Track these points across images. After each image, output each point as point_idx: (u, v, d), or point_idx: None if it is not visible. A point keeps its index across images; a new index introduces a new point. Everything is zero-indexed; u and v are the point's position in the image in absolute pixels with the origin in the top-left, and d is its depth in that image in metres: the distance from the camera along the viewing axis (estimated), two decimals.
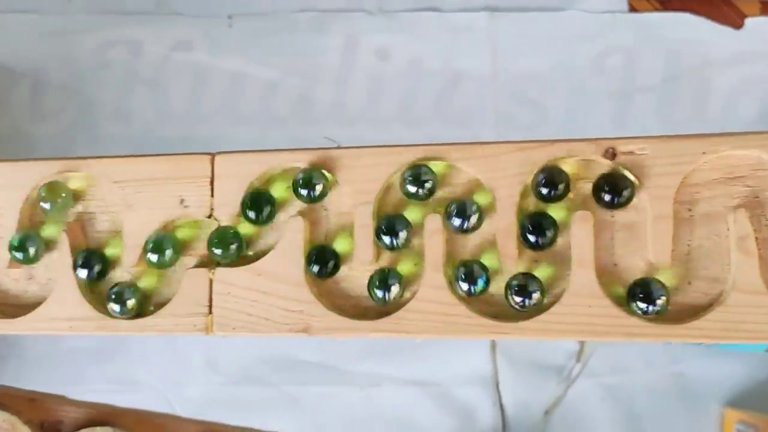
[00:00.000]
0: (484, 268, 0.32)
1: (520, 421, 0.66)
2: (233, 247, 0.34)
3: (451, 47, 0.70)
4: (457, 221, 0.32)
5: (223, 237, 0.34)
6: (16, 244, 0.36)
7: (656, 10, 0.71)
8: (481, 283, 0.31)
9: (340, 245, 0.34)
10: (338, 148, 0.34)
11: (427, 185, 0.32)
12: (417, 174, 0.32)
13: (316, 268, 0.33)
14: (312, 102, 0.69)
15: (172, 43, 0.69)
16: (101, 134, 0.67)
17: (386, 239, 0.32)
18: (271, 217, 0.34)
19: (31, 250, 0.36)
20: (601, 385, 0.66)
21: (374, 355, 0.67)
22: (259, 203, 0.34)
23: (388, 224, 0.33)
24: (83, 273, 0.35)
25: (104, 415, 0.44)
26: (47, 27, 0.69)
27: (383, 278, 0.32)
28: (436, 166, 0.33)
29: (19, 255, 0.36)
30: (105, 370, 0.66)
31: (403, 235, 0.32)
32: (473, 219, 0.32)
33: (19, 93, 0.69)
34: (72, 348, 0.66)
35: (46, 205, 0.36)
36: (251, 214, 0.34)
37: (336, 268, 0.34)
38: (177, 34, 0.69)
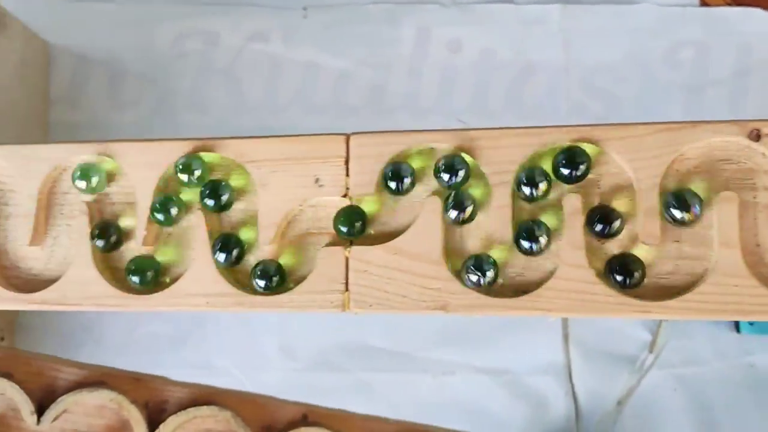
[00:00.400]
0: (633, 258, 0.32)
1: (592, 410, 0.66)
2: (358, 225, 0.35)
3: (524, 39, 0.71)
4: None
5: (348, 215, 0.35)
6: (158, 205, 0.36)
7: (727, 5, 0.72)
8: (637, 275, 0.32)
9: None
10: (473, 129, 0.35)
11: (582, 168, 0.33)
12: (572, 155, 0.33)
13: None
14: (384, 93, 0.70)
15: (248, 34, 0.70)
16: (178, 123, 0.68)
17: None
18: (410, 188, 0.35)
19: (173, 211, 0.37)
20: (674, 376, 0.66)
21: (447, 343, 0.68)
22: (400, 173, 0.34)
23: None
24: (221, 256, 0.36)
25: (207, 394, 0.45)
26: (124, 16, 0.70)
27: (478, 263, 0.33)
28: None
29: (160, 216, 0.37)
30: (181, 356, 0.67)
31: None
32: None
33: (97, 82, 0.70)
34: (148, 334, 0.68)
35: (184, 177, 0.37)
36: (392, 185, 0.34)
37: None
38: (253, 25, 0.70)
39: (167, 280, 0.37)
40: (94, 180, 0.38)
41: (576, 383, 0.67)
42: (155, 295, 0.37)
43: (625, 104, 0.69)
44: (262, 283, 0.35)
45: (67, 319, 0.68)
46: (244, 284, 0.37)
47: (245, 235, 0.37)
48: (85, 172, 0.38)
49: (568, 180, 0.33)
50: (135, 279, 0.37)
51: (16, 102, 0.61)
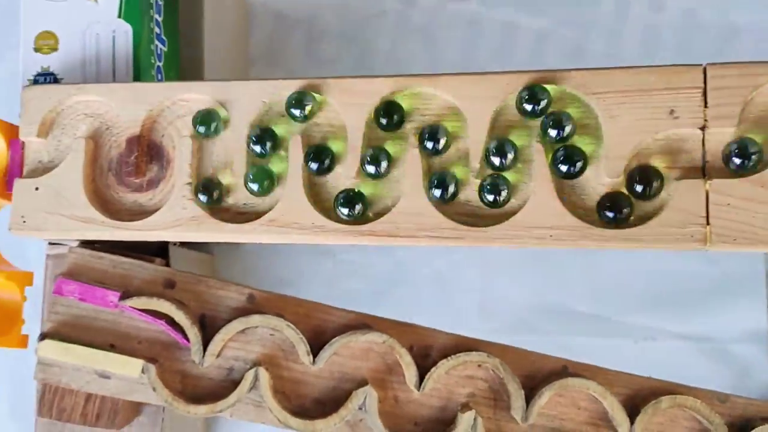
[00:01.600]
0: None
1: None
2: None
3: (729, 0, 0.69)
4: None
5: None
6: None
7: None
8: None
9: None
10: None
11: None
12: None
13: None
14: (584, 53, 0.69)
15: None
16: None
17: None
18: None
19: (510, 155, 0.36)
20: None
21: (649, 308, 0.67)
22: None
23: None
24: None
25: (472, 343, 0.45)
26: None
27: None
28: None
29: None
30: (379, 313, 0.67)
31: None
32: None
33: (296, 40, 0.70)
34: (346, 290, 0.68)
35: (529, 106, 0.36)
36: None
37: None
38: None
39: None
40: None
41: None
42: (493, 227, 0.36)
43: None
44: (611, 214, 0.35)
45: (267, 275, 0.69)
46: (583, 217, 0.36)
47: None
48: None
49: None
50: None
51: (223, 62, 0.61)
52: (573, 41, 0.69)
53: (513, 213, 0.36)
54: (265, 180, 0.39)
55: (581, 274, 0.68)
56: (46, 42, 0.45)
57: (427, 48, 0.70)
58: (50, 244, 0.47)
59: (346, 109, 0.39)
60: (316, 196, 0.40)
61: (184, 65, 0.52)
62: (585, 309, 0.68)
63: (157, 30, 0.47)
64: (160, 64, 0.48)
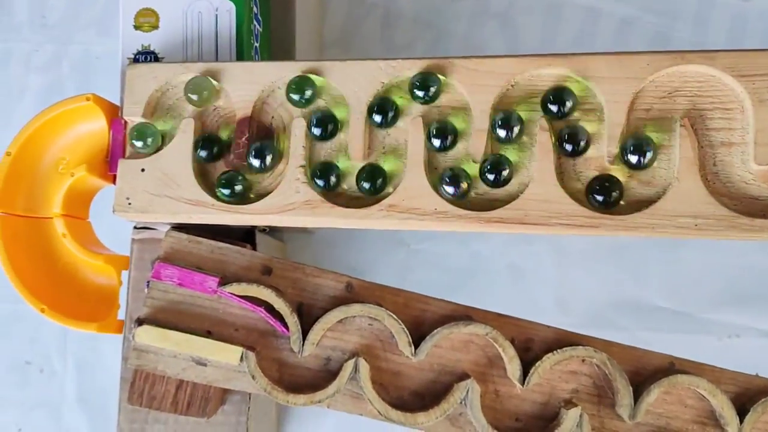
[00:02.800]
0: None
1: None
2: None
3: None
4: None
5: None
6: None
7: None
8: None
9: None
10: None
11: None
12: None
13: None
14: (668, 41, 0.67)
15: None
16: None
17: None
18: None
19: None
20: None
21: (733, 304, 0.65)
22: None
23: None
24: None
25: (574, 338, 0.43)
26: None
27: None
28: None
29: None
30: None
31: None
32: None
33: (371, 24, 0.69)
34: (419, 281, 0.66)
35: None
36: None
37: None
38: None
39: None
40: None
41: None
42: (632, 215, 0.35)
43: None
44: None
45: (338, 264, 0.67)
46: (730, 206, 0.34)
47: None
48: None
49: None
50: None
51: (302, 46, 0.60)
52: (657, 29, 0.67)
53: (653, 200, 0.35)
54: (379, 179, 0.38)
55: (660, 268, 0.66)
56: (147, 20, 0.44)
57: (504, 33, 0.68)
58: (136, 228, 0.46)
59: (472, 90, 0.37)
60: (435, 181, 0.38)
61: (274, 47, 0.51)
62: (665, 304, 0.66)
63: (255, 9, 0.46)
64: (257, 44, 0.46)
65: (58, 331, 0.66)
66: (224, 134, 0.41)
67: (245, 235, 0.47)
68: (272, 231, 0.59)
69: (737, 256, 0.65)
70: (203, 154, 0.40)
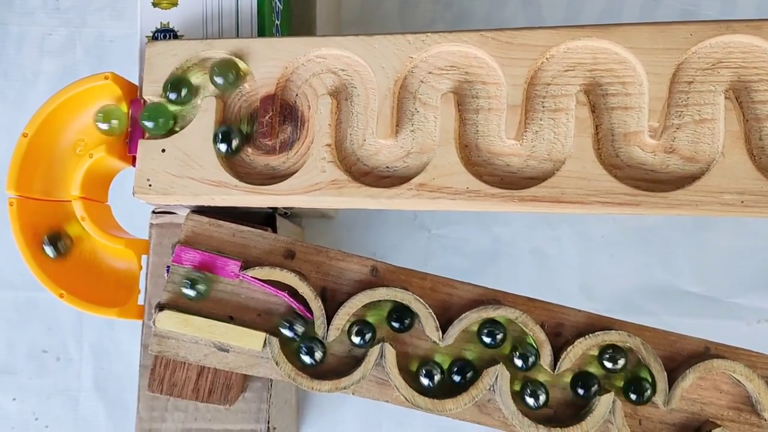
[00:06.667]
0: None
1: None
2: None
3: None
4: None
5: None
6: None
7: None
8: None
9: None
10: None
11: None
12: None
13: None
14: (695, 17, 0.65)
15: None
16: None
17: None
18: None
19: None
20: None
21: (762, 289, 0.63)
22: None
23: None
24: None
25: (605, 322, 0.42)
26: None
27: None
28: None
29: None
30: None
31: None
32: None
33: (390, 3, 0.67)
34: (442, 266, 0.65)
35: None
36: None
37: None
38: None
39: None
40: None
41: None
42: (675, 192, 0.33)
43: None
44: None
45: (358, 248, 0.66)
46: None
47: None
48: None
49: None
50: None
51: (313, 26, 0.58)
52: (684, 6, 0.65)
53: (697, 177, 0.33)
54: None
55: (688, 253, 0.65)
56: None
57: (526, 11, 0.67)
58: (154, 213, 0.45)
59: (505, 64, 0.36)
60: (466, 159, 0.37)
61: (294, 27, 0.49)
62: (693, 289, 0.64)
63: None
64: (278, 22, 0.45)
65: (74, 319, 0.65)
66: (245, 113, 0.39)
67: (265, 219, 0.46)
68: (291, 216, 0.58)
69: (766, 240, 0.63)
70: (223, 148, 0.39)
